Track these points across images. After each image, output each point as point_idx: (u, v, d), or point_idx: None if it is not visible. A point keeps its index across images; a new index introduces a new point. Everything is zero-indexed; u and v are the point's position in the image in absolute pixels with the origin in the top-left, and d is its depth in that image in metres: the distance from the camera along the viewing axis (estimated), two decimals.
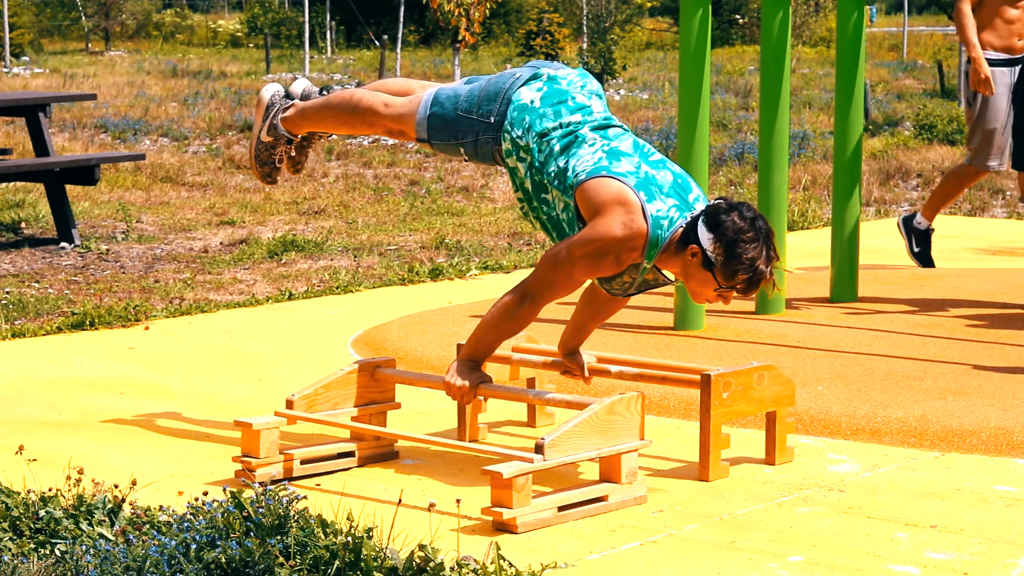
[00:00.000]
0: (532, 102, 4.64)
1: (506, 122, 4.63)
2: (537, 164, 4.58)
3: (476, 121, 4.67)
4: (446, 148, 4.76)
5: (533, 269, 4.75)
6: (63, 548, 3.68)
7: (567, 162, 4.53)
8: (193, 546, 3.57)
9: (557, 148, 4.56)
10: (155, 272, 8.71)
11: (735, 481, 4.59)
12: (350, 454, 4.72)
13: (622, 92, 24.19)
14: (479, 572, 3.61)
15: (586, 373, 4.96)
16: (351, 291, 7.88)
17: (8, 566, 3.55)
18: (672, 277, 4.59)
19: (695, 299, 4.47)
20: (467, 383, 4.63)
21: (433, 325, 6.75)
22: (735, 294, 4.38)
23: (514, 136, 4.61)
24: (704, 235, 4.31)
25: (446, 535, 3.97)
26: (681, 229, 4.38)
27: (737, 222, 4.29)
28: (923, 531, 4.12)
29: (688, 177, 4.53)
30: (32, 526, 3.88)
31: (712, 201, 4.40)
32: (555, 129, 4.59)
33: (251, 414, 5.25)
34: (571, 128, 4.58)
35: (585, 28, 32.25)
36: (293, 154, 5.09)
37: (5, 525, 3.88)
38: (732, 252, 4.29)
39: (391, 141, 16.95)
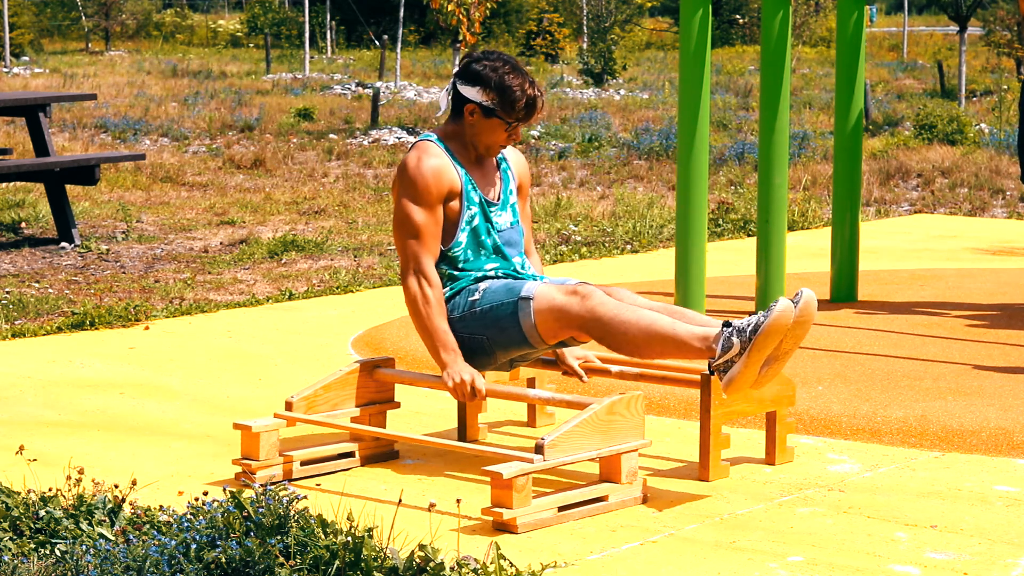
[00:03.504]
0: None
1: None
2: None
3: None
4: None
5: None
6: (63, 548, 3.68)
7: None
8: (193, 546, 3.57)
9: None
10: (155, 272, 8.71)
11: (735, 481, 4.59)
12: (350, 454, 4.72)
13: (622, 92, 24.20)
14: (479, 572, 3.61)
15: (584, 376, 4.95)
16: (351, 291, 7.88)
17: (8, 566, 3.55)
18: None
19: (492, 152, 4.80)
20: (465, 377, 4.63)
21: None
22: (521, 126, 4.76)
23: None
24: (470, 91, 4.72)
25: (446, 535, 3.97)
26: (448, 113, 4.79)
27: (489, 64, 4.73)
28: (923, 531, 4.12)
29: None
30: (32, 526, 3.88)
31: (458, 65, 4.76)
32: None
33: (251, 414, 5.25)
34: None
35: (585, 28, 32.27)
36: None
37: (5, 525, 3.88)
38: (502, 88, 4.71)
39: (391, 140, 16.96)
